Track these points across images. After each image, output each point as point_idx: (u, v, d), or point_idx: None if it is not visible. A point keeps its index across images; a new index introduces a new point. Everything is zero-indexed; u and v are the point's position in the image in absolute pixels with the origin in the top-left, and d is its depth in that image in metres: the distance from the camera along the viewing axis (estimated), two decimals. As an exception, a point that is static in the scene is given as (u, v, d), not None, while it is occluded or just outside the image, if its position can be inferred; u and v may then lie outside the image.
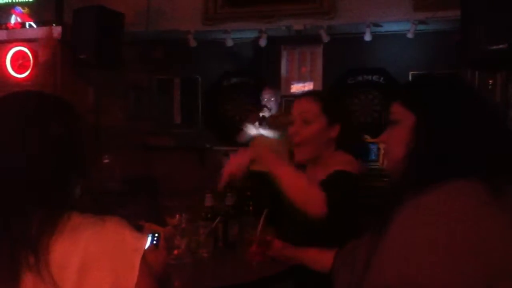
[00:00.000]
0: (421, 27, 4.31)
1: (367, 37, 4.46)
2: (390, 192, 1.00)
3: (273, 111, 4.16)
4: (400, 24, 4.44)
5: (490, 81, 3.23)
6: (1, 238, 0.83)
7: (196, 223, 1.95)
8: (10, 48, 4.12)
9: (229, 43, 4.82)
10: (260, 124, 4.10)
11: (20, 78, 4.11)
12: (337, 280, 1.19)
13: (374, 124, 5.21)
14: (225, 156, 5.24)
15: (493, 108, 1.00)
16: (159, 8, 4.64)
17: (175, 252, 1.80)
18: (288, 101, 5.38)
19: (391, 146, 1.04)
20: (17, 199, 0.85)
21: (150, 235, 1.41)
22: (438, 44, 4.51)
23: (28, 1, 4.15)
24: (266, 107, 4.09)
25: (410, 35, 4.37)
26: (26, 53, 4.09)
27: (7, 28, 4.20)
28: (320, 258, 1.35)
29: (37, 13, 4.14)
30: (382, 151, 4.80)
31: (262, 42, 4.71)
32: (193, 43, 4.78)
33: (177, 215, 1.97)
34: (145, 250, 0.87)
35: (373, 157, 4.83)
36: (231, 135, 4.61)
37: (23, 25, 4.18)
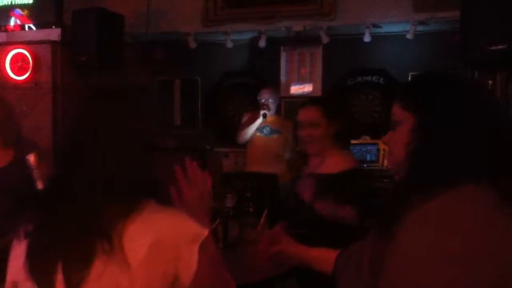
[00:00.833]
0: (421, 28, 4.32)
1: (367, 38, 4.47)
2: (394, 194, 0.98)
3: (272, 111, 4.14)
4: (399, 25, 4.45)
5: (490, 82, 3.23)
6: (81, 229, 0.92)
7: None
8: (10, 50, 4.12)
9: (229, 44, 4.83)
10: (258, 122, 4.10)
11: (20, 80, 4.11)
12: (342, 282, 1.17)
13: (374, 124, 5.21)
14: (225, 157, 5.25)
15: (495, 106, 0.97)
16: (159, 9, 4.64)
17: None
18: (287, 102, 5.39)
19: (392, 148, 1.04)
20: (94, 195, 0.95)
21: None
22: (438, 44, 4.51)
23: (28, 3, 4.15)
24: (265, 105, 4.09)
25: (409, 36, 4.37)
26: (25, 55, 4.09)
27: (6, 30, 4.21)
28: (323, 258, 1.33)
29: (36, 15, 4.14)
30: (382, 152, 4.80)
31: (262, 43, 4.71)
32: (193, 45, 4.78)
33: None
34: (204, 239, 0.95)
35: (373, 158, 4.84)
36: (231, 136, 4.60)
37: (22, 27, 4.18)
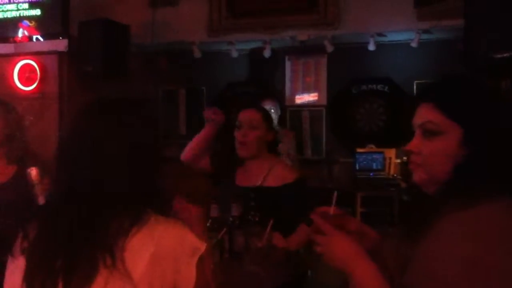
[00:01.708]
0: (425, 36, 4.33)
1: (371, 47, 4.48)
2: (428, 203, 0.95)
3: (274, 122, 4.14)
4: (404, 34, 4.46)
5: (495, 89, 3.22)
6: (84, 243, 0.91)
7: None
8: (18, 61, 4.17)
9: (234, 54, 4.85)
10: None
11: (28, 90, 4.15)
12: None
13: (379, 133, 5.20)
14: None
15: None
16: (164, 19, 4.68)
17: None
18: (292, 111, 5.40)
19: (429, 160, 0.95)
20: (100, 209, 0.94)
21: None
22: (442, 52, 4.51)
23: (35, 15, 4.20)
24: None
25: (414, 44, 4.38)
26: (33, 66, 4.13)
27: (14, 42, 4.26)
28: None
29: (44, 26, 4.19)
30: (389, 161, 4.78)
31: (267, 53, 4.74)
32: (197, 54, 4.81)
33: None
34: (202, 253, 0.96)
35: (379, 166, 4.82)
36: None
37: (30, 38, 4.23)
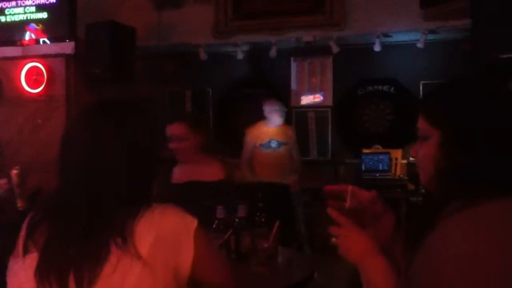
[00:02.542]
0: (431, 36, 4.31)
1: (377, 48, 4.47)
2: (427, 204, 0.99)
3: (277, 122, 4.07)
4: (410, 34, 4.45)
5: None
6: (96, 227, 1.00)
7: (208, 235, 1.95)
8: (25, 64, 4.20)
9: (239, 55, 4.86)
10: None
11: (35, 93, 4.18)
12: None
13: (385, 134, 5.19)
14: (236, 168, 5.25)
15: None
16: (169, 22, 4.70)
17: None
18: (298, 112, 5.40)
19: (422, 163, 1.02)
20: (110, 196, 1.03)
21: None
22: (449, 53, 4.50)
23: (42, 18, 4.23)
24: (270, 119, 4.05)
25: (420, 45, 4.37)
26: (40, 68, 4.16)
27: (22, 45, 4.29)
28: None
29: (51, 29, 4.22)
30: (395, 161, 4.77)
31: (272, 54, 4.74)
32: (203, 56, 4.83)
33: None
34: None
35: (385, 167, 4.81)
36: (242, 147, 4.61)
37: (37, 41, 4.26)
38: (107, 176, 1.04)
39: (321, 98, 5.40)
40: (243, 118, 5.53)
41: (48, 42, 4.24)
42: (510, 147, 0.90)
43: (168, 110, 5.77)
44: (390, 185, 4.61)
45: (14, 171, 2.10)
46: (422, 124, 1.00)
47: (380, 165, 4.84)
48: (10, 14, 4.32)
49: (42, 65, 4.16)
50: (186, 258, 1.03)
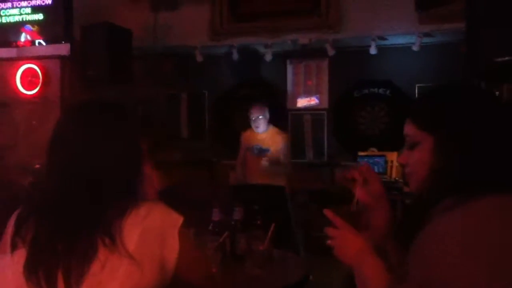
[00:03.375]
0: (427, 39, 4.33)
1: (373, 50, 4.49)
2: (418, 203, 1.01)
3: (263, 128, 3.99)
4: (405, 37, 4.47)
5: (497, 93, 3.23)
6: (84, 224, 1.02)
7: (204, 238, 1.95)
8: (20, 66, 4.19)
9: (235, 57, 4.86)
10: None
11: (30, 94, 4.16)
12: None
13: (381, 136, 5.20)
14: (232, 170, 5.25)
15: (506, 113, 0.98)
16: (166, 23, 4.70)
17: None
18: (294, 115, 5.41)
19: (414, 169, 1.03)
20: (97, 194, 1.04)
21: None
22: (444, 56, 4.52)
23: (38, 19, 4.22)
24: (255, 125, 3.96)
25: (415, 48, 4.39)
26: (35, 70, 4.15)
27: (17, 46, 4.28)
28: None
29: (46, 30, 4.21)
30: (390, 164, 4.79)
31: (268, 57, 4.74)
32: (199, 58, 4.83)
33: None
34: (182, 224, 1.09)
35: (381, 170, 4.82)
36: (238, 149, 4.61)
37: (32, 42, 4.25)
38: (95, 175, 1.05)
39: (317, 100, 5.40)
40: (239, 120, 5.54)
41: (43, 43, 4.23)
42: (502, 148, 0.92)
43: (164, 112, 5.76)
44: (385, 188, 4.58)
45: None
46: (411, 131, 1.02)
47: (376, 167, 4.84)
48: (5, 15, 4.31)
49: (38, 66, 4.15)
50: (171, 251, 1.05)
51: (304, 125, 5.35)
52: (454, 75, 4.01)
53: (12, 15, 4.30)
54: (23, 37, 4.25)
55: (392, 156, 4.82)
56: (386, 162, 4.81)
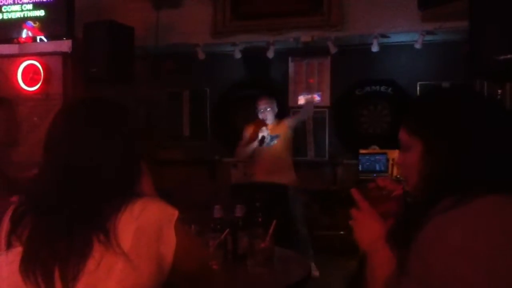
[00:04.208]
0: (429, 37, 4.32)
1: (375, 48, 4.47)
2: (416, 203, 1.03)
3: (270, 120, 4.08)
4: (408, 35, 4.45)
5: (499, 91, 3.21)
6: (79, 222, 1.01)
7: (206, 235, 1.95)
8: (22, 62, 4.18)
9: (237, 55, 4.85)
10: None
11: (31, 91, 4.16)
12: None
13: (383, 134, 5.20)
14: (234, 168, 5.25)
15: (504, 116, 0.98)
16: (168, 21, 4.69)
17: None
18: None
19: (406, 172, 1.06)
20: (94, 192, 1.04)
21: None
22: (447, 54, 4.51)
23: (40, 16, 4.22)
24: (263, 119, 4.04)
25: (418, 46, 4.37)
26: (37, 66, 4.15)
27: (18, 43, 4.27)
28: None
29: (48, 27, 4.20)
30: (392, 162, 4.78)
31: (270, 54, 4.74)
32: (201, 56, 4.82)
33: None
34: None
35: (382, 168, 4.82)
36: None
37: (34, 39, 4.24)
38: (91, 172, 1.04)
39: (319, 98, 5.40)
40: (240, 118, 5.53)
41: (45, 40, 4.23)
42: (491, 146, 0.93)
43: (166, 110, 5.76)
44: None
45: None
46: (403, 136, 1.05)
47: (377, 165, 4.85)
48: (7, 12, 4.31)
49: (39, 63, 4.14)
50: (168, 247, 1.04)
51: (306, 123, 5.34)
52: (457, 73, 4.00)
53: (13, 11, 4.29)
54: (24, 34, 4.25)
55: (394, 154, 4.81)
56: (387, 160, 4.81)
